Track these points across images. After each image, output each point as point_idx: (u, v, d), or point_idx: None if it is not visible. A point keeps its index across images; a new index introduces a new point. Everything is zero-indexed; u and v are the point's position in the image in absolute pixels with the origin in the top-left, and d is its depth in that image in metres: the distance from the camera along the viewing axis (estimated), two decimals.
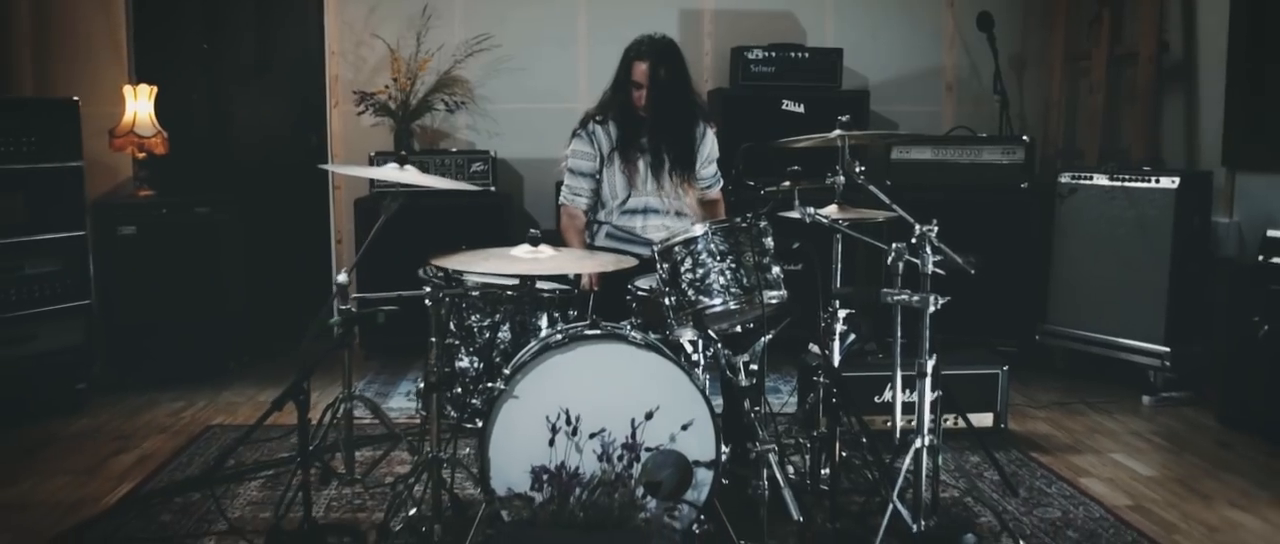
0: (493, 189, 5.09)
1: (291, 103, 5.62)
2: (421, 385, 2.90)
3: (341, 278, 3.03)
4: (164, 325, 4.67)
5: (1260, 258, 4.10)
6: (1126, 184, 4.66)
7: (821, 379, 3.14)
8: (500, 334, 2.94)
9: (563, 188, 3.53)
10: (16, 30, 4.98)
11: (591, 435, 2.52)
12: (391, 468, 3.53)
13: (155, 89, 4.81)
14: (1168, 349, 4.48)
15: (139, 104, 4.75)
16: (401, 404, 4.33)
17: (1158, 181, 4.56)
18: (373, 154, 5.10)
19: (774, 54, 5.24)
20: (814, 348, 3.52)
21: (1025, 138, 5.14)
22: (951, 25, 5.70)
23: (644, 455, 2.53)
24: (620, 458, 2.51)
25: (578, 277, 3.17)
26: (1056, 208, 4.92)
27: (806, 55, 5.28)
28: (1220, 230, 4.63)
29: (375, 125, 5.36)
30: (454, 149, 5.36)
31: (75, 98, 4.40)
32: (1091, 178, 4.82)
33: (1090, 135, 5.38)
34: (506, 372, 2.66)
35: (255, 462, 3.59)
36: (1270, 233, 4.09)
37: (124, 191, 4.96)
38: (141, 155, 4.77)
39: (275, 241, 5.44)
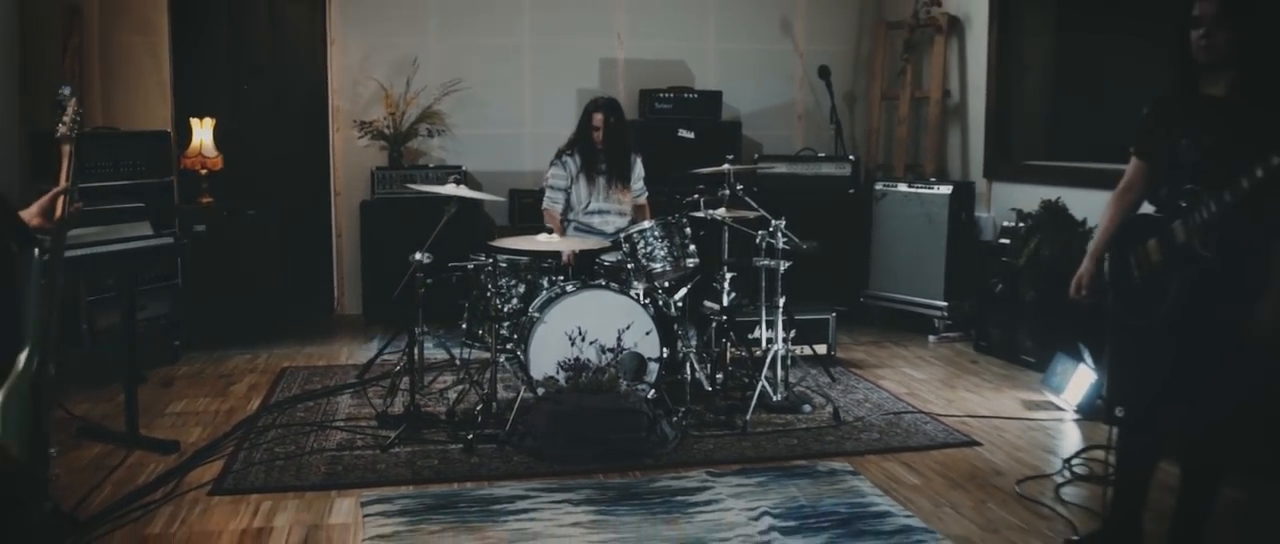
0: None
1: (300, 128, 7.21)
2: (465, 326, 4.67)
3: (419, 257, 4.68)
4: (226, 299, 6.25)
5: (1000, 240, 6.14)
6: (919, 190, 6.67)
7: (717, 317, 5.02)
8: (519, 289, 4.71)
9: (544, 197, 5.32)
10: (88, 71, 6.45)
11: (590, 342, 4.34)
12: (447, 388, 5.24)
13: (215, 120, 6.38)
14: (946, 304, 6.50)
15: (204, 132, 6.32)
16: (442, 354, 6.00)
17: (939, 188, 6.59)
18: (373, 169, 6.77)
19: (672, 95, 7.09)
20: (709, 303, 5.39)
21: (852, 156, 7.11)
22: (801, 72, 7.66)
23: (621, 354, 4.36)
24: (607, 354, 4.33)
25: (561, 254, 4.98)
26: (873, 207, 6.90)
27: (695, 95, 7.14)
28: (981, 221, 6.69)
29: (367, 146, 7.01)
30: (431, 165, 7.04)
31: (167, 129, 5.95)
32: (897, 186, 6.81)
33: (898, 154, 7.38)
34: (536, 310, 4.45)
35: (358, 381, 5.23)
36: (1004, 224, 6.14)
37: (190, 199, 6.46)
38: (204, 172, 6.33)
39: (293, 235, 7.03)
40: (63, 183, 2.48)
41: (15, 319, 2.05)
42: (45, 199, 2.44)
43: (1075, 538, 3.33)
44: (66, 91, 2.71)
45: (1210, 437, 3.12)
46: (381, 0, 6.98)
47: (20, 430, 1.99)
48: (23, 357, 2.04)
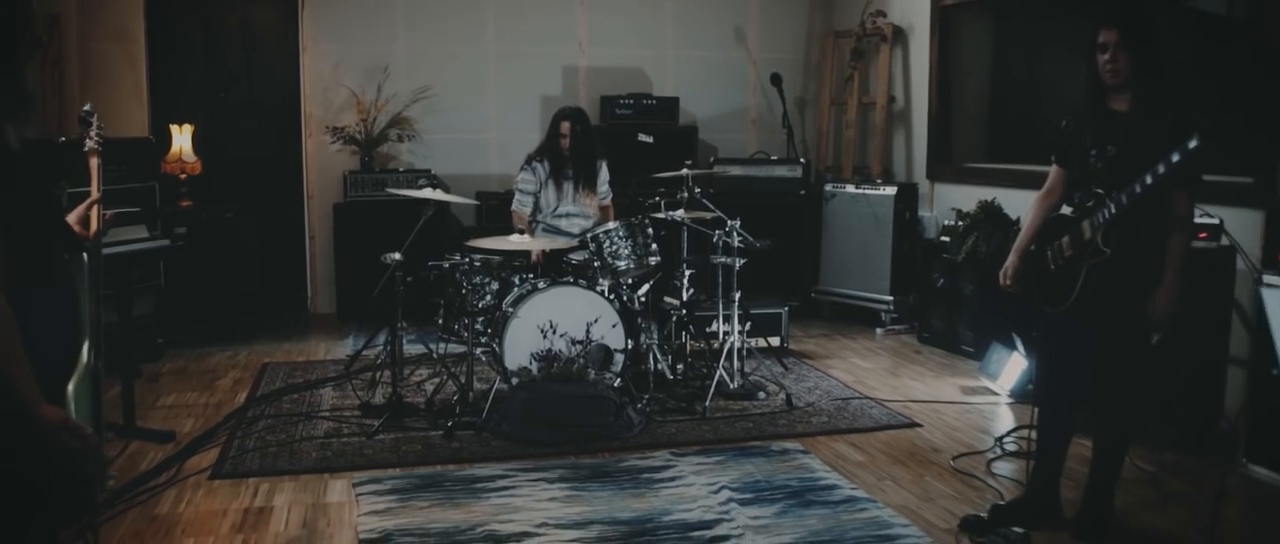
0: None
1: (273, 133, 7.46)
2: (441, 321, 4.99)
3: (396, 256, 4.99)
4: (205, 298, 6.50)
5: (941, 238, 6.55)
6: (866, 191, 7.07)
7: (677, 312, 5.37)
8: (492, 287, 5.03)
9: (514, 200, 5.64)
10: (68, 79, 6.67)
11: (561, 335, 4.68)
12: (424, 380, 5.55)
13: (193, 126, 6.63)
14: (891, 298, 6.91)
15: (183, 137, 6.56)
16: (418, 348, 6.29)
17: (884, 189, 6.99)
18: (346, 172, 7.05)
19: (632, 100, 7.43)
20: (669, 298, 5.73)
21: (803, 159, 7.49)
22: (754, 79, 8.04)
23: (589, 345, 4.70)
24: (577, 345, 4.67)
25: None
26: (823, 207, 7.29)
27: (654, 101, 7.50)
28: (924, 220, 7.10)
29: (340, 151, 7.29)
30: (402, 169, 7.33)
31: (149, 136, 6.19)
32: (845, 187, 7.21)
33: (846, 157, 7.78)
34: (509, 305, 4.78)
35: (345, 372, 5.53)
36: (945, 222, 6.55)
37: (170, 203, 6.68)
38: (184, 176, 6.58)
39: (267, 237, 7.28)
40: (95, 194, 2.76)
41: (77, 318, 2.34)
42: (81, 208, 2.70)
43: (1001, 503, 3.72)
44: (88, 108, 2.98)
45: (1115, 413, 3.53)
46: (353, 9, 7.26)
47: (89, 415, 2.28)
48: (85, 350, 2.33)
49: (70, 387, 2.23)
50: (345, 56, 7.27)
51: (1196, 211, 4.26)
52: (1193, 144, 2.99)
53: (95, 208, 2.72)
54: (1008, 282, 3.68)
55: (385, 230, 6.18)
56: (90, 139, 2.92)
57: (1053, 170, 3.67)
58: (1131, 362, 3.43)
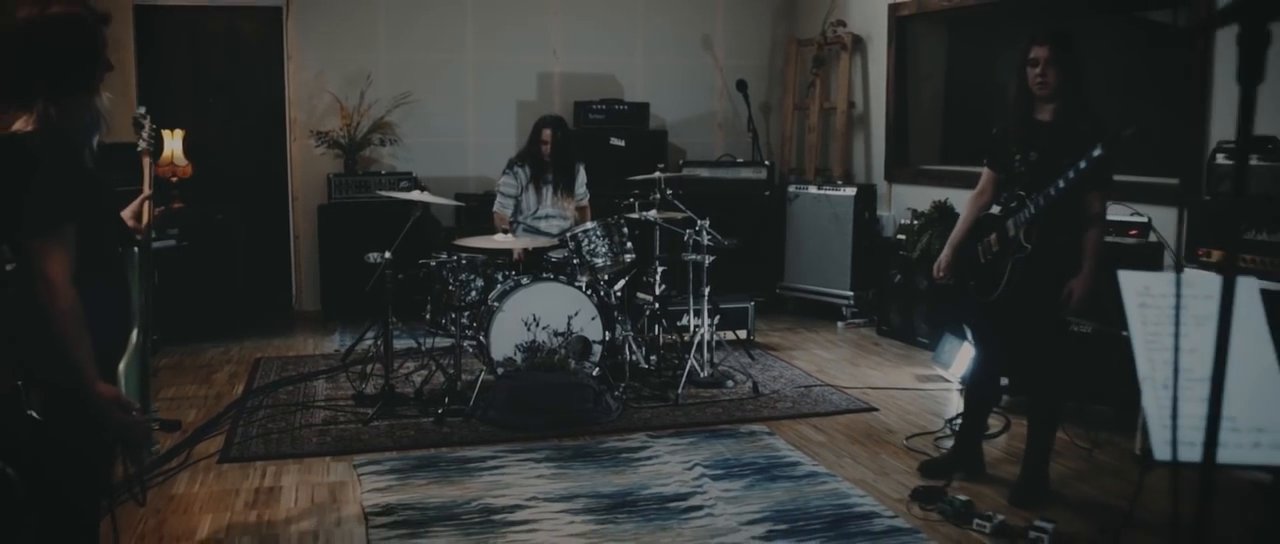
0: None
1: (259, 138, 7.74)
2: (429, 316, 5.30)
3: (375, 256, 5.29)
4: (199, 296, 6.77)
5: (898, 236, 6.94)
6: (827, 192, 7.46)
7: (651, 306, 5.72)
8: (477, 283, 5.35)
9: (496, 202, 5.96)
10: None
11: (544, 327, 5.01)
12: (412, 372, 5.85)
13: (185, 131, 6.89)
14: (852, 293, 7.30)
15: (174, 142, 6.83)
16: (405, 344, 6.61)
17: (845, 190, 7.38)
18: (330, 175, 7.34)
19: (604, 106, 7.78)
20: (642, 294, 6.08)
21: (767, 162, 7.87)
22: (721, 84, 8.41)
23: (570, 337, 5.04)
24: (558, 337, 5.01)
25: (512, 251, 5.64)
26: (787, 207, 7.67)
27: (625, 106, 7.84)
28: (882, 220, 7.49)
29: (323, 155, 7.57)
30: (383, 171, 7.63)
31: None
32: (808, 188, 7.59)
33: (809, 160, 8.16)
34: (495, 300, 5.11)
35: (332, 366, 5.84)
36: (902, 221, 6.94)
37: (162, 205, 6.95)
38: (175, 179, 6.84)
39: (253, 238, 7.56)
40: (146, 191, 3.05)
41: (128, 305, 2.66)
42: (135, 204, 3.00)
43: (932, 457, 4.17)
44: (142, 110, 3.24)
45: (1041, 392, 3.95)
46: (336, 19, 7.55)
47: (137, 392, 2.59)
48: (135, 333, 2.64)
49: (121, 366, 2.55)
50: (329, 64, 7.56)
51: (1130, 210, 4.70)
52: (1097, 152, 3.43)
53: (146, 204, 3.01)
54: (940, 274, 4.10)
55: (368, 231, 6.50)
56: (142, 140, 3.19)
57: (984, 173, 4.09)
58: (1053, 346, 3.85)
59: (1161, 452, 1.81)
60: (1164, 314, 1.96)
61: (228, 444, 4.56)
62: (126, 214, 2.90)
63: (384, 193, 5.75)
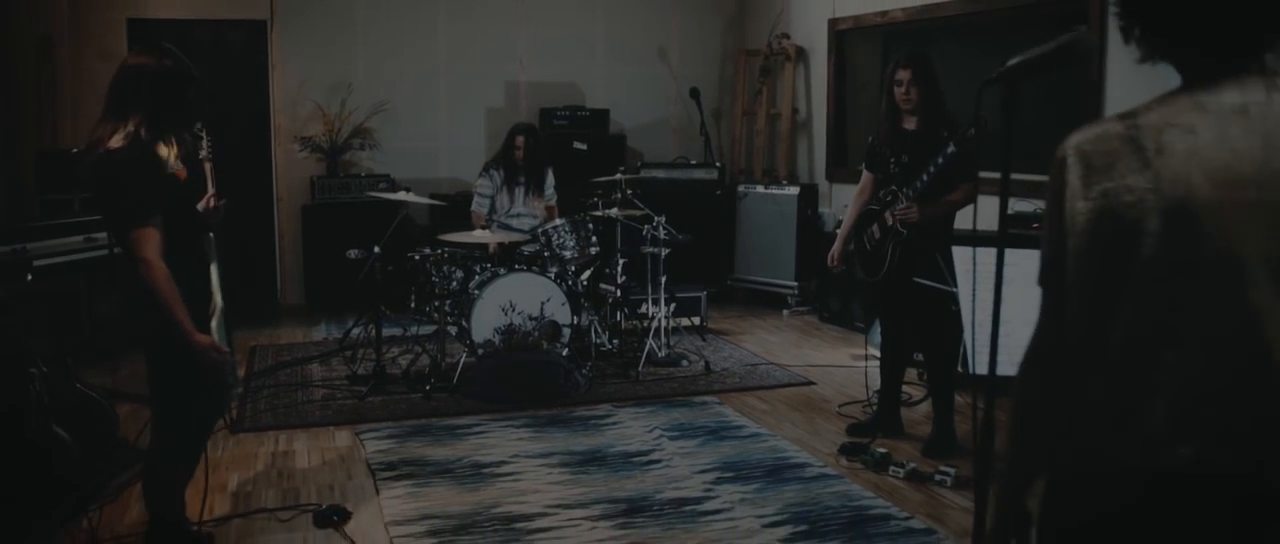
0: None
1: (246, 143, 8.27)
2: (413, 305, 5.92)
3: (355, 253, 5.88)
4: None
5: (837, 231, 7.61)
6: (773, 191, 8.14)
7: (613, 295, 6.37)
8: (458, 274, 5.96)
9: (474, 201, 6.57)
10: (61, 96, 7.41)
11: (519, 313, 5.64)
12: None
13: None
14: (796, 283, 8.00)
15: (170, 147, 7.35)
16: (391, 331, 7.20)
17: (789, 189, 8.07)
18: (313, 177, 7.91)
19: (568, 112, 8.40)
20: (605, 284, 6.73)
21: (718, 163, 8.52)
22: (675, 92, 9.06)
23: (543, 321, 5.67)
24: (532, 321, 5.64)
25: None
26: (737, 205, 8.33)
27: (587, 113, 8.47)
28: (824, 216, 8.19)
29: (306, 158, 8.13)
30: (363, 174, 8.20)
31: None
32: (755, 187, 8.26)
33: (757, 161, 8.83)
34: (475, 288, 5.72)
35: (327, 351, 6.42)
36: (841, 217, 7.62)
37: None
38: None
39: (241, 239, 8.08)
40: (211, 190, 3.68)
41: (209, 276, 3.34)
42: (205, 200, 3.64)
43: (857, 421, 4.90)
44: (200, 126, 3.85)
45: (933, 356, 4.67)
46: (318, 31, 8.11)
47: (226, 341, 3.30)
48: (218, 296, 3.34)
49: (212, 323, 3.23)
50: (311, 73, 8.11)
51: (1034, 206, 5.42)
52: (950, 150, 4.21)
53: (212, 199, 3.64)
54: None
55: (349, 229, 7.07)
56: (202, 150, 3.81)
57: (864, 175, 4.86)
58: (937, 314, 4.58)
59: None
60: (985, 280, 2.64)
61: (238, 418, 5.14)
62: (200, 207, 3.54)
63: (372, 193, 6.33)
